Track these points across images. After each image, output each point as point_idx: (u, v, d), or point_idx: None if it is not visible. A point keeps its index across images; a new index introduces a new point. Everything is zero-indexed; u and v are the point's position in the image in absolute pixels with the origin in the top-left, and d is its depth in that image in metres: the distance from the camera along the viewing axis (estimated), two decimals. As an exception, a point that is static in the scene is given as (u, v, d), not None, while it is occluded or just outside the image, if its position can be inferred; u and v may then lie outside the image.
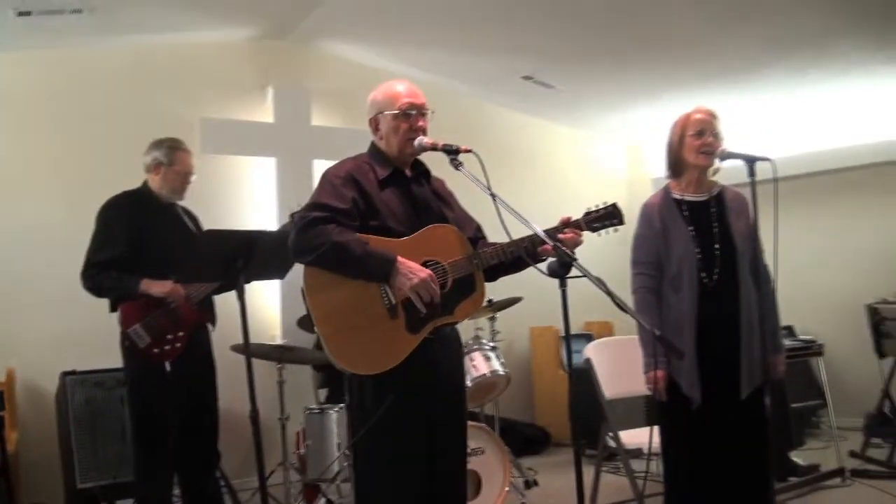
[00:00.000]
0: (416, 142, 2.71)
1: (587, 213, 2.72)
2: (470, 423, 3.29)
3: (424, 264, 2.60)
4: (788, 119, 6.85)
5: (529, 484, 5.04)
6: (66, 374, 4.55)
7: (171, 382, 3.70)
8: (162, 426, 3.69)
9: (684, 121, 3.29)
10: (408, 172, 2.81)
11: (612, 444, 4.03)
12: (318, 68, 6.12)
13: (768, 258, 3.22)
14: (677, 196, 3.32)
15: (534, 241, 2.60)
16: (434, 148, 2.68)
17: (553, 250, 2.50)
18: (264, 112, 5.93)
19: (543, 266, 2.61)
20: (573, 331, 2.64)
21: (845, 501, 4.52)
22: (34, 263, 4.88)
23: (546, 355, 6.99)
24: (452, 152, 2.63)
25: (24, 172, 5.00)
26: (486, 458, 4.28)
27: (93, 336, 4.19)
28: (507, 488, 4.36)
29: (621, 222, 2.75)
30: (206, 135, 5.41)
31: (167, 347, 3.69)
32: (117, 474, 4.31)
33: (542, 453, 6.42)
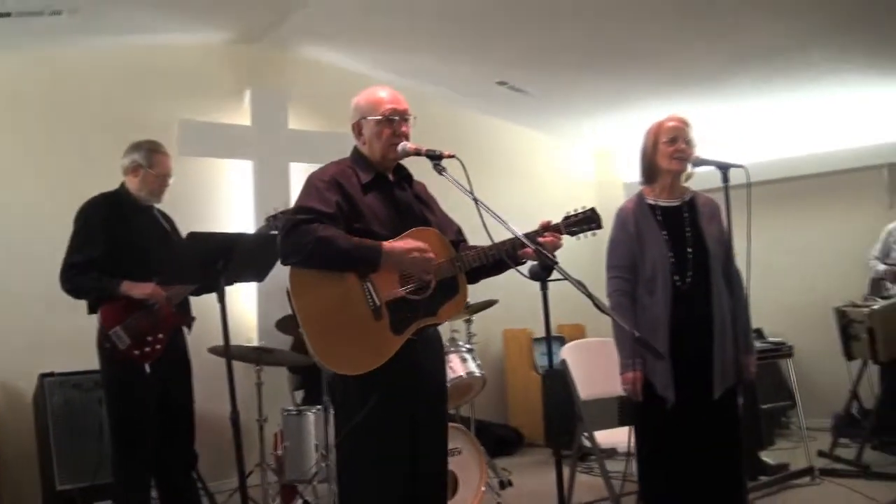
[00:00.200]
0: (400, 147, 2.74)
1: (566, 218, 2.75)
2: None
3: (407, 268, 2.64)
4: (756, 126, 6.93)
5: (504, 484, 5.08)
6: (44, 375, 4.53)
7: (149, 384, 3.69)
8: (141, 428, 3.67)
9: (657, 128, 3.37)
10: (390, 177, 2.84)
11: (587, 444, 4.10)
12: (295, 72, 6.13)
13: (741, 262, 3.28)
14: (651, 201, 3.39)
15: (515, 244, 2.64)
16: (418, 153, 2.71)
17: (534, 253, 2.56)
18: (242, 115, 5.92)
19: (525, 269, 2.66)
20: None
21: (814, 500, 4.61)
22: (11, 265, 4.84)
23: (519, 357, 7.05)
24: (436, 158, 2.66)
25: (0, 174, 4.95)
26: (462, 459, 4.33)
27: (71, 338, 4.15)
28: (483, 489, 4.42)
29: (599, 226, 2.79)
30: (184, 137, 5.37)
31: (147, 349, 3.67)
32: (96, 476, 4.27)
33: (516, 454, 6.48)
